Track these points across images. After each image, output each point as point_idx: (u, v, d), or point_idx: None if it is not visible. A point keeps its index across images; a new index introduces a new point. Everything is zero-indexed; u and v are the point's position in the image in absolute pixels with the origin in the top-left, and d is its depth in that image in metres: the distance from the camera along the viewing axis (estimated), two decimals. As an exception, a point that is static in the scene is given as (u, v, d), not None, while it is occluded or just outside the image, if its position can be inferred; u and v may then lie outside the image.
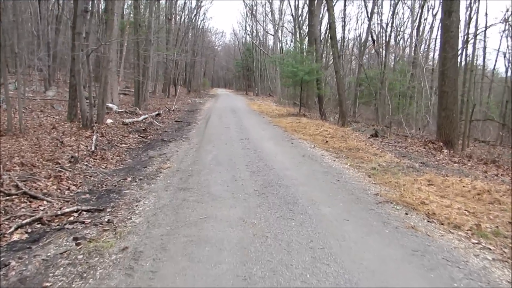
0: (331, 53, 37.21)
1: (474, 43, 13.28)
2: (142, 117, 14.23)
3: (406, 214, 4.58)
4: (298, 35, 40.33)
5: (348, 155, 8.55)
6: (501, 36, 38.17)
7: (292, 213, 4.41)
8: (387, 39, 28.48)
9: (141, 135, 11.18)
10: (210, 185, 5.67)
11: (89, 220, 4.40)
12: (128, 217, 4.42)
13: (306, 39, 26.38)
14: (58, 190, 5.52)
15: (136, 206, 4.80)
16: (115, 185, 5.90)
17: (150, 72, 19.34)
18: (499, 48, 27.35)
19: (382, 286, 2.90)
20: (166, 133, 12.07)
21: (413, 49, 29.67)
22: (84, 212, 4.64)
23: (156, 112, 17.07)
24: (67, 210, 4.60)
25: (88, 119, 10.48)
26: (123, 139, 10.26)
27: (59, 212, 4.51)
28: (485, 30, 12.46)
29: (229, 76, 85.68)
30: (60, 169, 6.31)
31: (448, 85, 10.59)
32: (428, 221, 4.37)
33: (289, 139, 10.74)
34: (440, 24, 11.35)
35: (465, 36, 16.82)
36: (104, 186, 5.87)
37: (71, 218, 4.48)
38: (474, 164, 8.58)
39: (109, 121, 12.73)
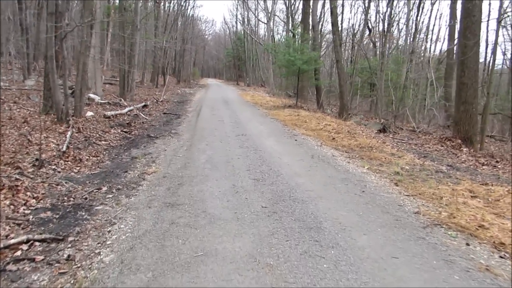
0: (323, 42, 36.15)
1: (497, 29, 12.17)
2: (127, 109, 12.95)
3: (468, 245, 3.47)
4: (290, 24, 39.05)
5: (362, 155, 7.43)
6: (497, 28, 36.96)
7: (320, 247, 3.26)
8: (385, 28, 27.29)
9: (125, 130, 9.93)
10: (206, 199, 4.49)
11: (42, 256, 3.21)
12: (96, 251, 3.24)
13: (300, 26, 25.00)
14: (11, 207, 4.30)
15: (109, 232, 3.61)
16: (86, 198, 4.69)
17: (136, 60, 17.95)
18: (496, 39, 26.38)
19: None
20: (153, 127, 10.83)
21: (411, 39, 28.65)
22: (37, 243, 3.45)
23: (143, 104, 15.77)
24: (13, 241, 3.39)
25: (64, 112, 9.18)
26: (103, 135, 9.00)
27: (1, 245, 3.31)
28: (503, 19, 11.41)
29: (219, 66, 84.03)
30: (18, 177, 5.08)
31: (468, 76, 9.52)
32: (501, 257, 3.27)
33: (291, 135, 9.59)
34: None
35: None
36: (72, 199, 4.66)
37: (18, 253, 3.29)
38: (505, 167, 7.54)
39: (89, 113, 11.43)
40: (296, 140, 8.86)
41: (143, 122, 11.74)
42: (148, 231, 3.56)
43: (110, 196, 4.74)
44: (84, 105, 11.95)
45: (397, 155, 7.54)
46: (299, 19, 40.44)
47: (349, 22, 69.11)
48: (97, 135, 8.85)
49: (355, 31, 33.69)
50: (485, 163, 7.71)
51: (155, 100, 18.57)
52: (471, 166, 7.26)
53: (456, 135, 9.74)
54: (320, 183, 5.27)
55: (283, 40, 38.12)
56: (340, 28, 30.35)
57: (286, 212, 4.06)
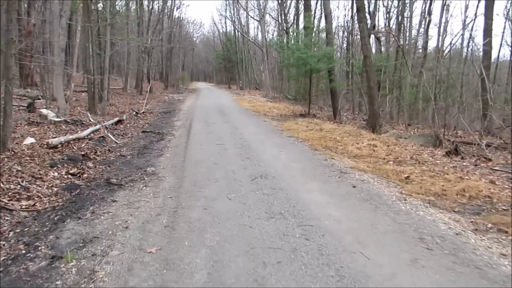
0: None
1: None
2: (89, 130, 9.27)
3: None
4: (283, 22, 35.69)
5: (507, 231, 3.89)
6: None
7: None
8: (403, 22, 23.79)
9: (72, 171, 6.29)
10: None
11: None
12: None
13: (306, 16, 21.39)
14: None
15: None
16: None
17: (108, 63, 14.27)
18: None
19: None
20: (122, 160, 7.23)
21: (422, 31, 25.36)
22: None
23: (117, 119, 12.14)
24: None
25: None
26: (32, 185, 5.37)
27: None
28: None
29: (209, 69, 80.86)
30: None
31: None
32: None
33: (337, 172, 6.02)
34: None
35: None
36: None
37: None
38: None
39: (29, 141, 7.81)
40: (355, 187, 5.26)
41: (109, 150, 8.14)
42: None
43: None
44: (11, 131, 8.39)
45: None
46: (291, 18, 37.15)
47: (344, 19, 65.88)
48: (18, 186, 5.22)
49: (350, 28, 30.28)
50: None
51: (135, 112, 14.93)
52: None
53: None
54: None
55: (276, 39, 34.63)
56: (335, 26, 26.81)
57: None
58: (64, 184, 5.65)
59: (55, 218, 4.32)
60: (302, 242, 3.42)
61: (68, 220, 4.24)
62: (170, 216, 4.15)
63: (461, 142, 11.34)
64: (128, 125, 12.21)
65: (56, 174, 6.03)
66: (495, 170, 6.45)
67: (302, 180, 5.50)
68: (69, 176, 6.02)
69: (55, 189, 5.40)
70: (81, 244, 3.55)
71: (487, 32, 16.88)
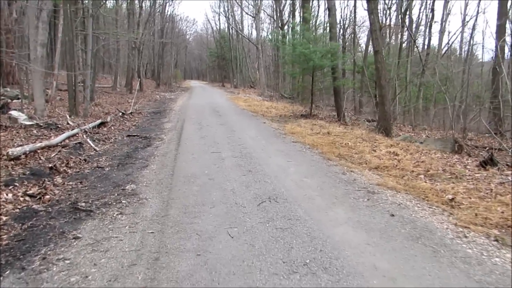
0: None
1: None
2: (63, 136, 7.99)
3: None
4: (279, 18, 34.62)
5: None
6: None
7: None
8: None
9: (33, 189, 5.04)
10: None
11: None
12: None
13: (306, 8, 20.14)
14: None
15: None
16: None
17: (90, 59, 12.94)
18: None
19: None
20: (98, 173, 5.99)
21: (425, 29, 24.26)
22: None
23: (99, 121, 10.86)
24: None
25: None
26: (-28, 213, 4.13)
27: None
28: None
29: (203, 67, 79.41)
30: None
31: None
32: None
33: (365, 193, 4.81)
34: None
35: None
36: None
37: None
38: None
39: (-13, 150, 6.53)
40: (393, 215, 4.04)
41: (85, 160, 6.87)
42: None
43: None
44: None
45: None
46: (286, 15, 36.00)
47: (342, 13, 64.87)
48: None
49: (346, 26, 29.15)
50: None
51: (121, 113, 13.63)
52: None
53: None
54: None
55: (270, 36, 33.36)
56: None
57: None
58: (18, 210, 4.41)
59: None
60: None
61: (7, 271, 3.03)
62: (148, 269, 2.94)
63: (475, 146, 10.30)
64: (112, 127, 10.95)
65: (10, 196, 4.77)
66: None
67: (323, 205, 4.30)
68: (27, 198, 4.77)
69: (4, 218, 4.15)
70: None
71: (501, 28, 15.77)
